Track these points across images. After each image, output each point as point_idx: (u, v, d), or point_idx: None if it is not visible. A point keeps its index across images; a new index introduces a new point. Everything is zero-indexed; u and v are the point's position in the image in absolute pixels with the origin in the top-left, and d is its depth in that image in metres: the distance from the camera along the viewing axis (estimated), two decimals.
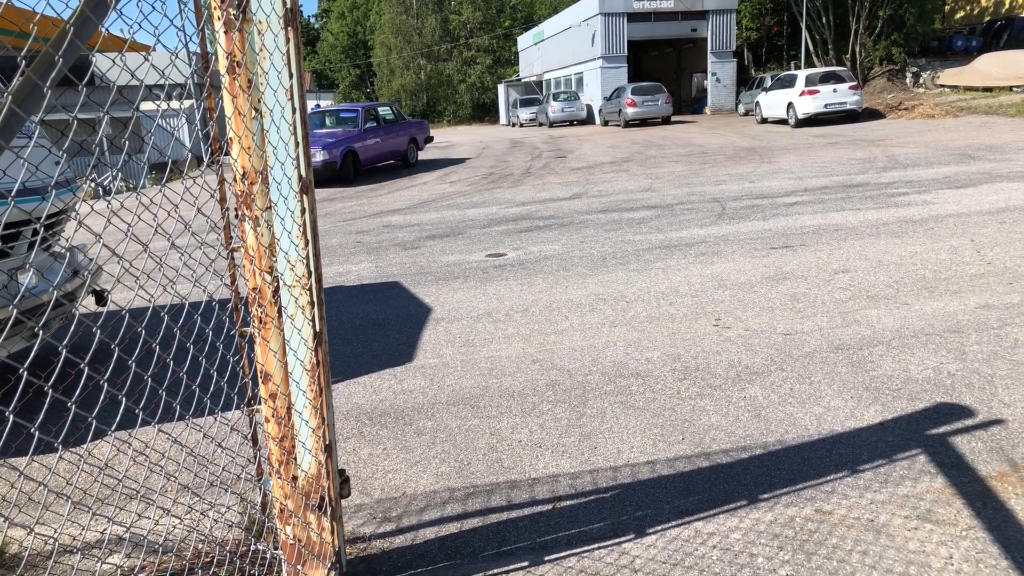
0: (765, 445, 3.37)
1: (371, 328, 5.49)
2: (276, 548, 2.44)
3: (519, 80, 44.85)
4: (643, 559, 2.64)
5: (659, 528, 2.82)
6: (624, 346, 4.72)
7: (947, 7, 36.86)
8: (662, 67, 38.26)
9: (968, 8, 37.09)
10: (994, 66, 24.61)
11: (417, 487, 3.22)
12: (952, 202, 8.74)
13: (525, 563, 2.66)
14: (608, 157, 17.23)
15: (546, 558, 2.68)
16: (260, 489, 2.42)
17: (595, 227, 8.89)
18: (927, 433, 3.37)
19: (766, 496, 2.98)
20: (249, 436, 2.34)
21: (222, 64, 1.95)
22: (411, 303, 6.12)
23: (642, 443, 3.47)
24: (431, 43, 56.01)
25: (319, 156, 15.24)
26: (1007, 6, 35.02)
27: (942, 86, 26.75)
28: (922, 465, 3.10)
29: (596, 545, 2.74)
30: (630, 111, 27.21)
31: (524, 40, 47.24)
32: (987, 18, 34.38)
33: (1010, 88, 23.52)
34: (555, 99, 32.59)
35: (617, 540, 2.76)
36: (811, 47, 30.48)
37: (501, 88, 42.56)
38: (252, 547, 2.50)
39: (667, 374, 4.23)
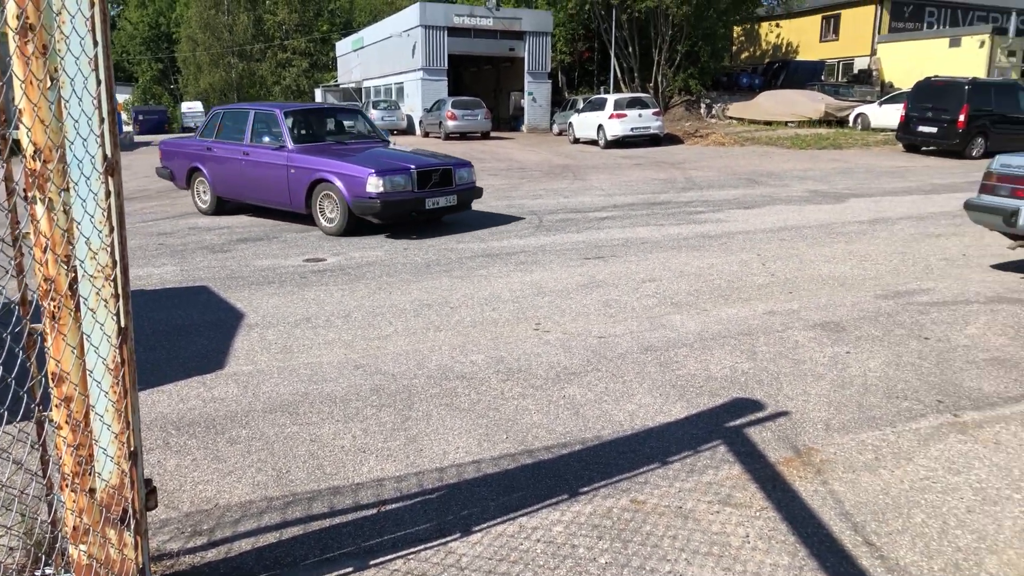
0: (584, 441, 3.51)
1: (177, 334, 5.10)
2: (68, 572, 2.19)
3: (337, 86, 43.92)
4: (469, 557, 2.65)
5: (485, 526, 2.84)
6: (449, 350, 4.74)
7: (734, 47, 40.77)
8: (481, 83, 39.08)
9: (751, 50, 41.24)
10: (773, 103, 27.51)
11: (231, 498, 3.03)
12: (741, 221, 9.63)
13: (349, 568, 2.58)
14: None
15: (371, 562, 2.62)
16: (50, 505, 2.16)
17: (419, 234, 8.87)
18: (726, 425, 3.66)
19: (586, 489, 3.09)
20: (37, 445, 2.08)
21: (11, 22, 1.73)
22: (221, 308, 5.76)
23: (467, 443, 3.48)
24: (243, 41, 53.47)
25: (379, 185, 8.29)
26: (784, 50, 39.34)
27: (731, 118, 29.48)
28: (722, 455, 3.37)
29: (422, 546, 2.71)
30: (451, 124, 27.50)
31: (343, 46, 46.38)
32: (767, 60, 38.42)
33: (785, 123, 26.38)
34: (375, 107, 32.24)
35: (443, 540, 2.75)
36: (619, 74, 32.46)
37: (318, 92, 41.46)
38: (40, 572, 2.22)
39: (491, 376, 4.29)
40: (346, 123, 10.82)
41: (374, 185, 8.23)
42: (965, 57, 30.39)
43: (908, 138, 19.27)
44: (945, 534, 2.78)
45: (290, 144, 9.17)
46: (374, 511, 2.94)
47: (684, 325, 5.21)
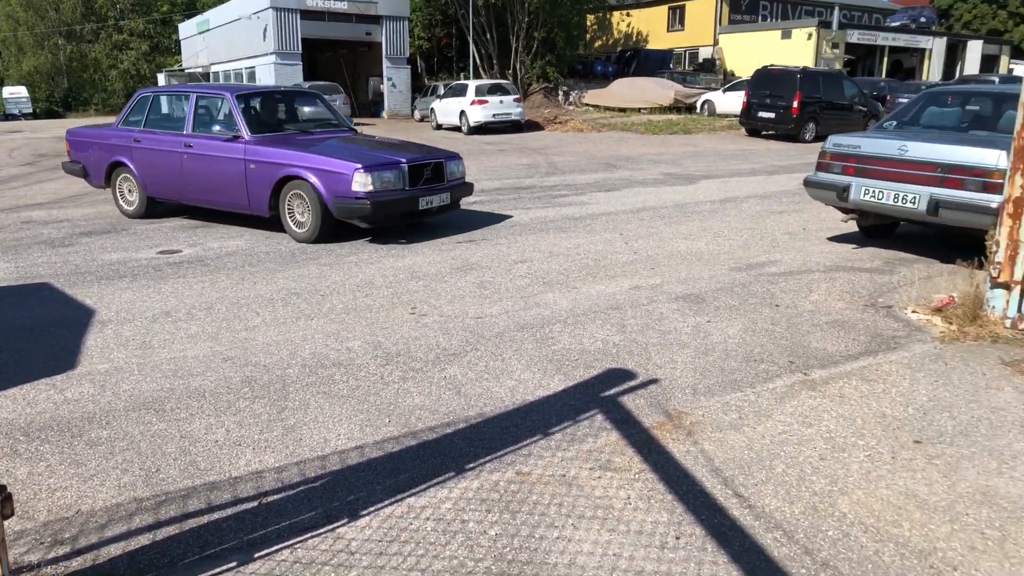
0: (467, 419, 3.53)
1: (18, 334, 4.68)
2: None
3: (182, 70, 41.41)
4: (359, 541, 2.62)
5: (372, 509, 2.81)
6: (323, 338, 4.62)
7: (588, 35, 41.89)
8: (338, 68, 38.06)
9: (604, 38, 42.55)
10: (626, 90, 28.53)
11: (95, 503, 2.83)
12: (603, 203, 9.96)
13: (233, 563, 2.48)
14: None
15: (256, 555, 2.53)
16: None
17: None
18: (602, 395, 3.80)
19: (472, 465, 3.12)
20: None
21: None
22: (69, 305, 5.33)
23: (349, 430, 3.42)
24: (71, 20, 49.29)
25: (366, 183, 6.99)
26: (634, 39, 40.86)
27: (587, 104, 30.31)
28: (600, 423, 3.50)
29: (309, 535, 2.65)
30: None
31: (186, 28, 43.73)
32: (619, 48, 39.80)
33: (639, 109, 27.46)
34: None
35: (331, 526, 2.70)
36: (478, 61, 32.58)
37: (161, 77, 38.91)
38: None
39: (369, 361, 4.23)
40: (305, 109, 9.29)
41: (361, 183, 6.88)
42: (795, 48, 32.76)
43: (750, 123, 20.57)
44: (803, 480, 3.02)
45: (247, 134, 7.60)
46: (255, 504, 2.83)
47: (556, 303, 5.34)
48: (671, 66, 35.76)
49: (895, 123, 7.60)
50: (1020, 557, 2.54)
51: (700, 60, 36.80)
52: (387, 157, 7.32)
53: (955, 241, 6.90)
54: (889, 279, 6.05)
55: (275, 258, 6.79)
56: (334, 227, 7.35)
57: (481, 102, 22.97)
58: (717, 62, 35.80)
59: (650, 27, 40.25)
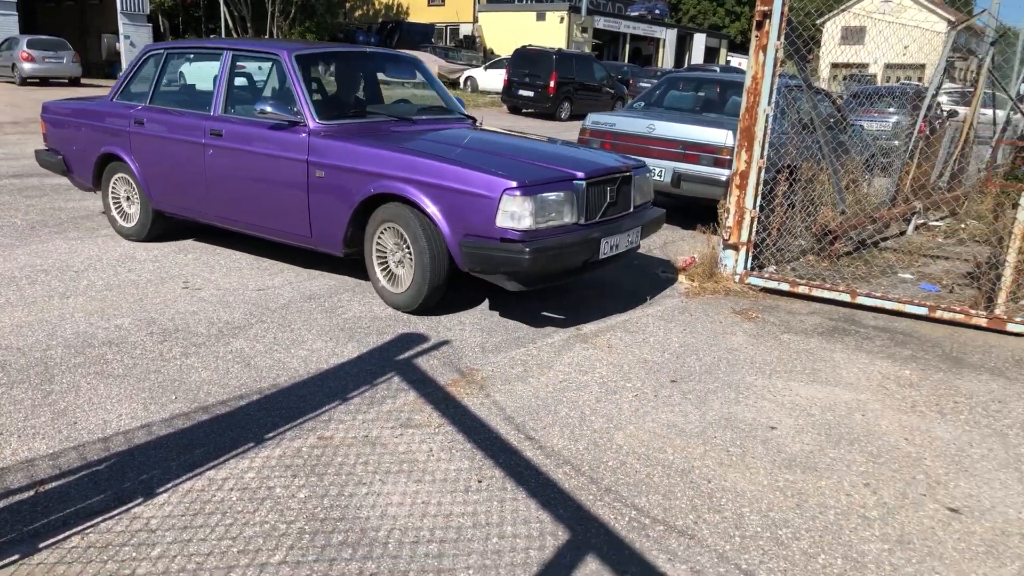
0: (261, 391, 3.47)
1: None
2: None
3: None
4: (159, 518, 2.51)
5: (170, 486, 2.70)
6: (85, 316, 4.23)
7: (348, 4, 40.91)
8: (63, 23, 33.72)
9: (365, 8, 41.82)
10: None
11: None
12: None
13: (15, 556, 2.28)
14: (9, 117, 14.61)
15: (41, 545, 2.34)
16: None
17: (11, 193, 7.55)
18: (397, 359, 3.91)
19: (272, 435, 3.09)
20: None
21: None
22: None
23: (132, 409, 3.22)
24: None
25: (523, 213, 3.99)
26: (395, 11, 40.61)
27: None
28: (398, 384, 3.61)
29: (101, 518, 2.49)
30: (27, 67, 23.34)
31: None
32: (380, 19, 39.35)
33: (402, 83, 27.42)
34: None
35: (125, 507, 2.56)
36: (230, 23, 30.55)
37: None
38: None
39: (145, 339, 3.96)
40: (400, 84, 6.39)
41: (514, 213, 3.94)
42: (550, 30, 34.57)
43: (511, 100, 21.46)
44: (583, 421, 3.37)
45: (313, 119, 4.64)
46: (31, 493, 2.60)
47: (339, 271, 5.32)
48: (433, 41, 36.10)
49: (643, 104, 8.42)
50: (757, 467, 3.06)
51: (461, 37, 37.52)
52: (553, 166, 4.32)
53: (696, 210, 7.84)
54: (643, 243, 6.76)
55: (10, 233, 6.01)
56: (450, 284, 4.44)
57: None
58: (477, 40, 36.73)
59: (411, 0, 40.23)
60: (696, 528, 2.63)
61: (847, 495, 2.89)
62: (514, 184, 3.94)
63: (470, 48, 35.17)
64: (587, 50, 33.25)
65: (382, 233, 4.47)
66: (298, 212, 4.72)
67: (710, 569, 2.42)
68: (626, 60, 39.33)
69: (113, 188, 5.93)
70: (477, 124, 5.59)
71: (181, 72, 6.14)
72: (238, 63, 5.28)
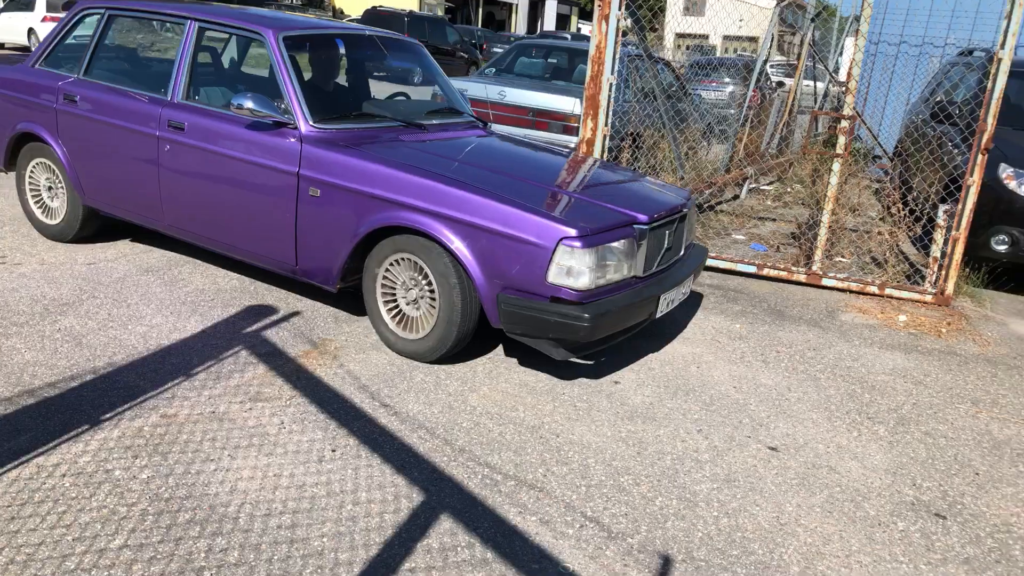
0: (95, 370, 3.27)
1: None
2: None
3: None
4: None
5: None
6: None
7: None
8: None
9: None
10: None
11: None
12: None
13: None
14: None
15: None
16: None
17: None
18: (244, 332, 3.79)
19: (109, 415, 2.93)
20: None
21: None
22: None
23: None
24: None
25: (583, 268, 3.18)
26: None
27: None
28: (246, 358, 3.51)
29: None
30: None
31: None
32: None
33: None
34: None
35: None
36: None
37: None
38: None
39: None
40: (407, 78, 5.57)
41: (574, 267, 3.17)
42: None
43: None
44: (439, 385, 3.42)
45: (306, 121, 3.76)
46: None
47: (181, 244, 5.05)
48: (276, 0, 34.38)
49: (494, 70, 8.47)
50: (601, 420, 3.24)
51: None
52: (612, 208, 3.52)
53: None
54: None
55: None
56: (469, 334, 3.59)
57: (56, 19, 19.72)
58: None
59: None
60: (545, 481, 2.76)
61: (682, 441, 3.13)
62: (574, 233, 3.13)
63: (318, 7, 33.83)
64: (440, 13, 32.87)
65: (392, 265, 3.59)
66: (280, 234, 3.80)
67: (558, 518, 2.55)
68: (479, 24, 39.23)
69: (32, 175, 4.83)
70: (489, 126, 4.78)
71: (129, 40, 5.17)
72: (204, 33, 4.23)
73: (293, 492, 2.57)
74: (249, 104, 3.62)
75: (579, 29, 42.90)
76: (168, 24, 4.50)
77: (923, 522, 2.71)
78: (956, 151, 5.74)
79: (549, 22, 44.31)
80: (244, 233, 3.97)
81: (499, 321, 3.34)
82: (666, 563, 2.38)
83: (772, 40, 8.85)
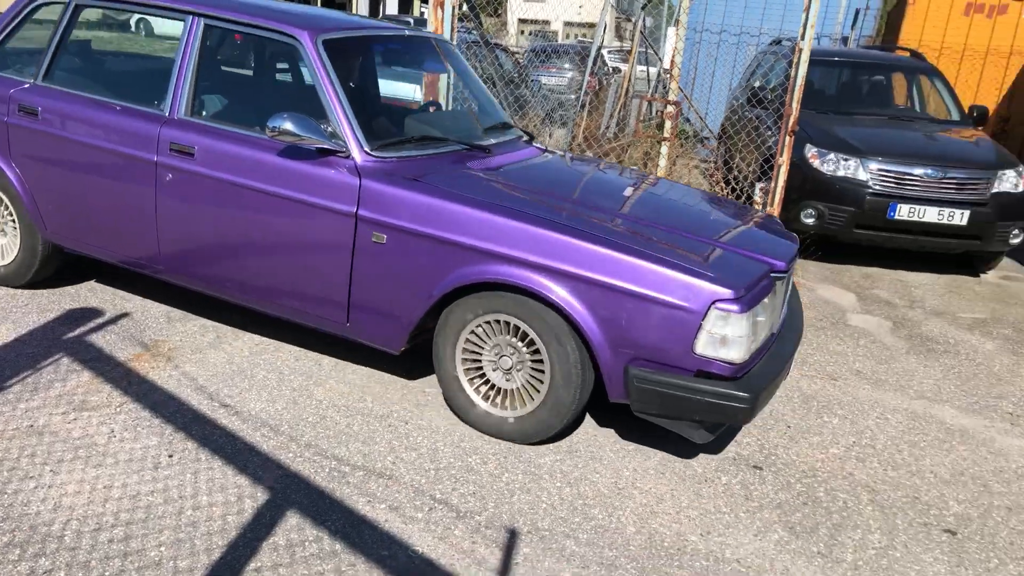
0: None
1: None
2: None
3: None
4: None
5: None
6: None
7: None
8: None
9: None
10: None
11: None
12: None
13: None
14: None
15: None
16: None
17: None
18: (66, 338, 3.53)
19: None
20: None
21: None
22: None
23: None
24: None
25: (739, 337, 2.61)
26: None
27: None
28: (68, 366, 3.27)
29: None
30: None
31: None
32: None
33: None
34: None
35: None
36: None
37: None
38: None
39: None
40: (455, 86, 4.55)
41: (729, 335, 2.63)
42: None
43: None
44: (283, 381, 3.35)
45: (361, 148, 3.06)
46: None
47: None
48: None
49: None
50: (441, 403, 3.29)
51: None
52: (751, 256, 3.02)
53: None
54: None
55: None
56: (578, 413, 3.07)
57: None
58: None
59: None
60: (395, 468, 2.78)
61: None
62: (729, 294, 2.61)
63: None
64: None
65: (479, 327, 2.98)
66: (327, 286, 3.14)
67: (407, 503, 2.58)
68: (319, 5, 37.97)
69: None
70: (535, 139, 4.04)
71: (103, 37, 4.14)
72: (210, 32, 3.42)
73: (126, 503, 2.44)
74: (289, 126, 2.91)
75: (422, 14, 42.52)
76: (159, 14, 3.58)
77: (743, 475, 2.97)
78: (769, 133, 6.24)
79: (392, 5, 43.62)
80: (276, 283, 3.25)
81: (626, 397, 2.79)
82: (512, 536, 2.47)
83: (606, 27, 9.21)
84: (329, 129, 3.09)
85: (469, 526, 2.50)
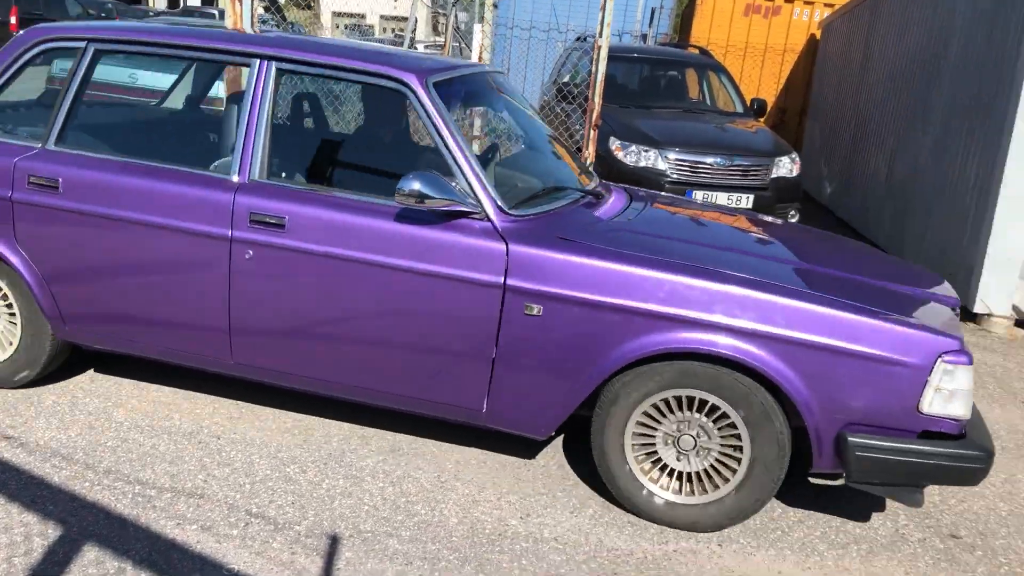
0: None
1: None
2: None
3: None
4: None
5: None
6: None
7: None
8: None
9: None
10: None
11: None
12: None
13: None
14: None
15: None
16: None
17: None
18: None
19: None
20: None
21: None
22: None
23: None
24: None
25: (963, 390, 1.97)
26: None
27: None
28: None
29: None
30: None
31: None
32: None
33: None
34: None
35: None
36: None
37: None
38: None
39: None
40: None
41: (956, 389, 2.40)
42: None
43: None
44: (76, 405, 3.09)
45: (497, 210, 2.65)
46: None
47: None
48: None
49: None
50: (266, 414, 3.18)
51: None
52: (934, 295, 2.90)
53: None
54: None
55: None
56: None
57: None
58: None
59: None
60: (206, 486, 2.66)
61: (347, 422, 3.20)
62: (955, 345, 2.43)
63: None
64: None
65: (653, 406, 2.63)
66: (464, 369, 2.72)
67: (220, 521, 2.48)
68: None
69: None
70: (598, 178, 3.63)
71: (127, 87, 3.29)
72: (281, 79, 2.90)
73: None
74: (423, 188, 2.51)
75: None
76: (203, 59, 3.02)
77: (559, 456, 3.11)
78: (577, 127, 6.53)
79: None
80: (387, 370, 2.79)
81: (839, 467, 2.54)
82: (334, 542, 2.44)
83: (416, 21, 9.21)
84: (460, 188, 2.68)
85: (288, 537, 2.44)
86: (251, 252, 2.76)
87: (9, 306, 3.10)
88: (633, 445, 2.66)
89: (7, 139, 3.03)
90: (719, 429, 2.59)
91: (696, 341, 2.47)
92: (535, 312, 2.60)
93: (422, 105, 2.73)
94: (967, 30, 5.85)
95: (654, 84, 7.85)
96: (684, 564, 2.49)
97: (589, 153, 5.52)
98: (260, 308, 2.81)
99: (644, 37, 10.69)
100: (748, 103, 7.60)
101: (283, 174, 3.04)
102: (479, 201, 2.67)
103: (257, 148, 2.81)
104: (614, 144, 6.19)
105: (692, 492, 2.65)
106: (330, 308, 2.75)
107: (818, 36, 10.52)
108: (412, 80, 2.75)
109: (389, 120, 3.68)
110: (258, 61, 2.86)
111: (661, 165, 6.07)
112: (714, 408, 2.57)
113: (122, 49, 3.07)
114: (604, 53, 5.42)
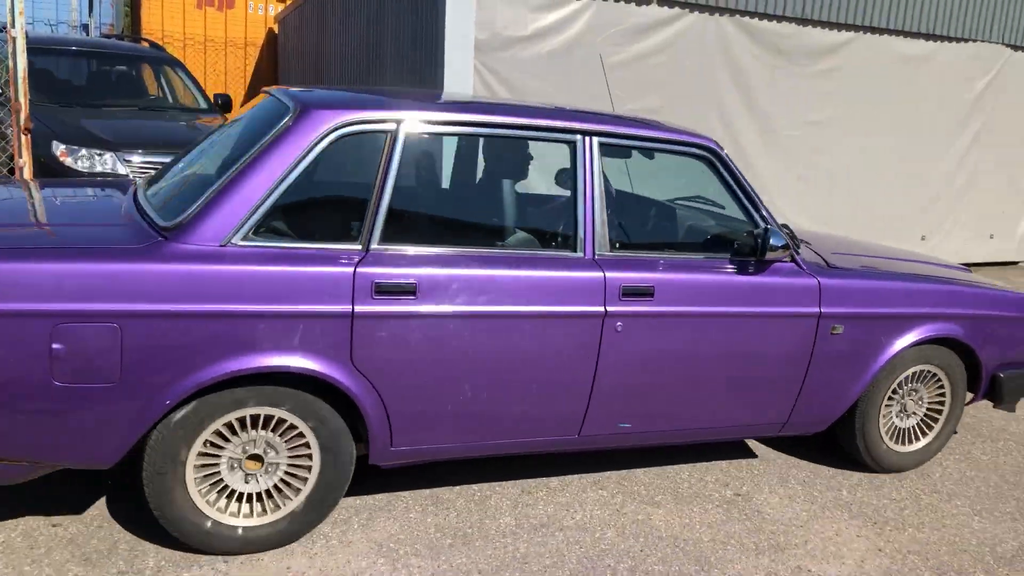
0: None
1: None
2: None
3: None
4: None
5: None
6: None
7: None
8: None
9: None
10: None
11: None
12: None
13: None
14: None
15: None
16: None
17: None
18: None
19: None
20: None
21: None
22: None
23: None
24: None
25: None
26: None
27: None
28: None
29: None
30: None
31: None
32: None
33: None
34: None
35: None
36: None
37: None
38: None
39: None
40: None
41: None
42: None
43: None
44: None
45: (794, 252, 3.28)
46: None
47: None
48: None
49: None
50: None
51: None
52: None
53: None
54: None
55: None
56: None
57: None
58: None
59: None
60: None
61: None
62: None
63: None
64: None
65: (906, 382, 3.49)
66: (779, 388, 3.18)
67: None
68: None
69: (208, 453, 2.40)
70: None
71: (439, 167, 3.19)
72: (595, 151, 2.87)
73: None
74: (783, 243, 2.97)
75: None
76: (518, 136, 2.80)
77: (39, 522, 2.63)
78: (11, 133, 5.54)
79: None
80: (716, 404, 3.09)
81: (993, 393, 3.69)
82: None
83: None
84: (764, 228, 3.04)
85: None
86: (620, 323, 2.84)
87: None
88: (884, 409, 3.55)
89: (317, 245, 2.48)
90: (938, 391, 3.58)
91: (942, 330, 3.44)
92: (839, 331, 3.19)
93: (723, 166, 3.06)
94: (397, 11, 6.56)
95: (104, 80, 7.08)
96: None
97: (24, 160, 4.72)
98: (627, 377, 2.89)
99: (86, 28, 9.56)
100: (212, 99, 7.38)
101: (617, 244, 2.93)
102: (791, 248, 3.12)
103: (596, 224, 2.85)
104: (59, 148, 5.41)
105: (906, 441, 3.60)
106: (688, 360, 2.96)
107: (276, 30, 10.71)
108: (713, 144, 3.03)
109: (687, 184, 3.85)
110: (581, 137, 2.87)
111: (122, 169, 5.51)
112: (937, 379, 3.55)
113: (448, 131, 2.70)
114: (21, 45, 4.65)
